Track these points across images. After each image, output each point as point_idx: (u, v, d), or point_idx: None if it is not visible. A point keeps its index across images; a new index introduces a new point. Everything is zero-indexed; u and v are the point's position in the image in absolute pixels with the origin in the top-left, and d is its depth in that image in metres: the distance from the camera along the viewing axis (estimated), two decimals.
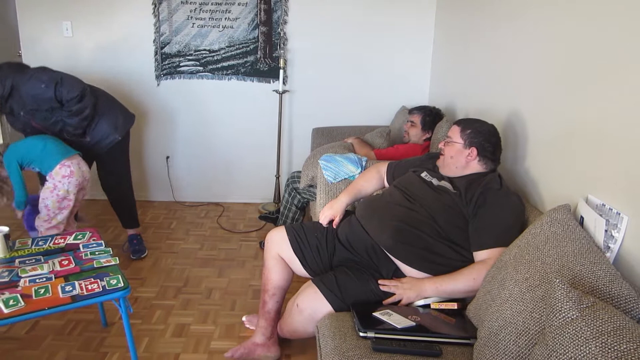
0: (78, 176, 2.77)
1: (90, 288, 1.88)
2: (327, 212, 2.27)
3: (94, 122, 2.98)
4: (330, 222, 2.25)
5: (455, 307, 1.87)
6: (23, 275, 1.94)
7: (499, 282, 1.65)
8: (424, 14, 3.85)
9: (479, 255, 1.89)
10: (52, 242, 2.24)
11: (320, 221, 2.27)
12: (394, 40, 3.91)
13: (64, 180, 2.74)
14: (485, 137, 2.07)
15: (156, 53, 3.91)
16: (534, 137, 2.18)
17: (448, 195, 2.01)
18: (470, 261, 1.92)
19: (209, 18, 3.85)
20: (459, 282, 1.86)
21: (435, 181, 2.11)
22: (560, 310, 1.21)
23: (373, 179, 2.41)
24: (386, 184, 2.39)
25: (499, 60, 2.61)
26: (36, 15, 3.68)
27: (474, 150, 2.06)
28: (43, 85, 2.72)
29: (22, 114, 2.81)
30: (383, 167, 2.42)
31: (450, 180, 2.09)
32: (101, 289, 1.88)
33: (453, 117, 3.21)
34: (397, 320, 1.76)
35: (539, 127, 2.14)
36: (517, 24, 2.40)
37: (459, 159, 2.08)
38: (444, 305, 1.88)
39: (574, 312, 1.19)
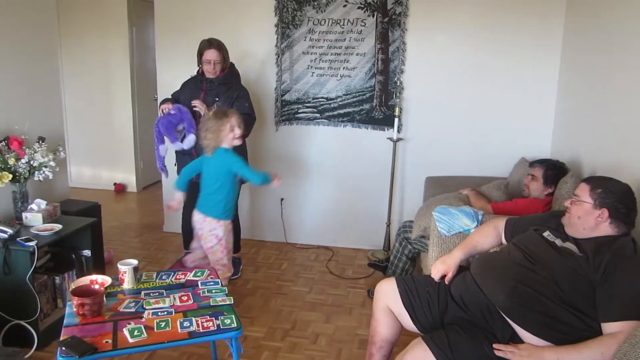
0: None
1: (205, 325, 1.96)
2: (440, 266, 2.20)
3: None
4: (442, 277, 2.18)
5: None
6: (147, 308, 2.08)
7: None
8: (547, 59, 3.71)
9: (608, 327, 1.73)
10: (174, 277, 2.38)
11: (432, 276, 2.21)
12: (514, 88, 3.80)
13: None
14: (618, 197, 1.91)
15: (276, 100, 4.11)
16: None
17: (573, 259, 1.87)
18: (596, 332, 1.75)
19: (328, 67, 3.99)
20: (584, 355, 1.71)
21: (559, 242, 1.98)
22: None
23: (490, 235, 2.31)
24: (504, 241, 2.28)
25: (633, 109, 2.42)
26: (173, 66, 4.05)
27: (605, 212, 1.90)
28: (247, 104, 3.37)
29: (217, 100, 3.33)
30: (501, 222, 2.32)
31: (576, 241, 1.95)
32: (216, 328, 1.96)
33: (578, 172, 3.02)
34: None
35: None
36: None
37: (587, 220, 1.93)
38: None
39: None
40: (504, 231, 2.28)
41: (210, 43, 3.30)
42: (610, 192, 1.93)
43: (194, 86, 3.42)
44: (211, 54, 3.28)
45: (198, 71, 3.45)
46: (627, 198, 1.93)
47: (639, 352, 1.48)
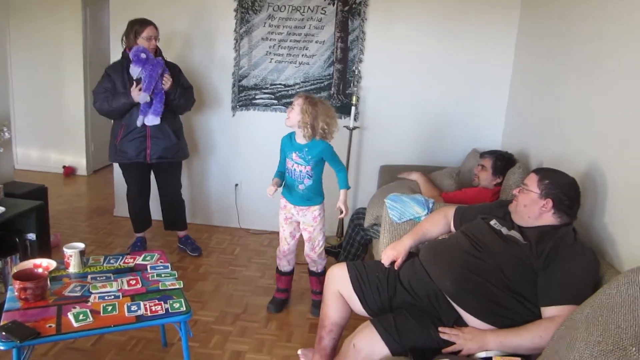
0: None
1: (154, 309, 1.95)
2: (390, 252, 2.24)
3: (182, 135, 3.54)
4: (392, 263, 2.22)
5: None
6: (94, 292, 2.04)
7: (568, 342, 1.56)
8: (501, 56, 3.80)
9: (547, 311, 1.80)
10: (122, 261, 2.34)
11: (382, 261, 2.24)
12: (468, 82, 3.88)
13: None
14: (563, 190, 1.98)
15: (234, 85, 4.07)
16: (614, 190, 2.08)
17: (518, 246, 1.94)
18: (537, 316, 1.83)
19: (287, 54, 3.97)
20: (524, 338, 1.78)
21: (504, 230, 2.04)
22: None
23: (439, 223, 2.36)
24: (452, 229, 2.34)
25: (581, 107, 2.52)
26: None
27: (550, 202, 1.98)
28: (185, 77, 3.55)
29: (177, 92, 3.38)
30: (450, 210, 2.37)
31: (521, 230, 2.02)
32: (164, 312, 1.94)
33: (526, 163, 3.12)
34: None
35: (621, 180, 2.04)
36: (600, 67, 2.32)
37: (532, 209, 2.01)
38: None
39: None
40: (453, 219, 2.34)
41: (146, 20, 3.29)
42: (556, 184, 2.00)
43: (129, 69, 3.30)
44: (152, 30, 3.27)
45: (125, 51, 3.34)
46: (572, 191, 2.01)
47: (575, 334, 1.54)
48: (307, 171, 2.77)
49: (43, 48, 5.49)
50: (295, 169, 2.79)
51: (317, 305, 2.93)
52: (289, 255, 2.98)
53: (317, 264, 2.97)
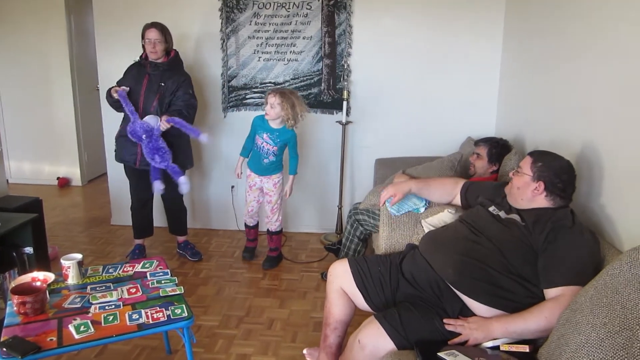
0: None
1: (155, 317, 1.93)
2: (391, 189, 2.37)
3: (181, 143, 3.46)
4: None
5: (527, 350, 1.77)
6: (94, 302, 2.02)
7: (574, 325, 1.55)
8: (490, 42, 3.78)
9: (549, 292, 1.80)
10: (121, 270, 2.32)
11: (381, 197, 2.37)
12: (459, 70, 3.86)
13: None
14: (555, 172, 1.98)
15: (223, 86, 4.04)
16: (610, 171, 2.07)
17: (517, 228, 1.94)
18: (540, 298, 1.82)
19: (275, 52, 3.94)
20: (529, 322, 1.77)
21: (503, 214, 2.04)
22: None
23: (446, 187, 2.44)
24: (455, 201, 2.41)
25: (572, 88, 2.50)
26: (114, 54, 3.91)
27: (541, 185, 1.97)
28: (191, 91, 3.44)
29: (163, 85, 3.33)
30: (461, 182, 2.44)
31: (519, 212, 2.02)
32: (166, 318, 1.93)
33: (522, 149, 3.11)
34: None
35: (616, 161, 2.03)
36: (593, 47, 2.30)
37: (525, 191, 2.01)
38: (514, 348, 1.78)
39: None
40: (460, 190, 2.40)
41: (153, 23, 3.32)
42: (549, 166, 2.00)
43: (137, 72, 3.36)
44: (152, 34, 3.28)
45: (141, 56, 3.39)
46: (565, 174, 2.00)
47: (580, 316, 1.53)
48: (274, 150, 3.37)
49: (29, 58, 5.43)
50: (263, 146, 3.37)
51: (269, 260, 3.60)
52: (254, 215, 3.65)
53: (273, 224, 3.57)
